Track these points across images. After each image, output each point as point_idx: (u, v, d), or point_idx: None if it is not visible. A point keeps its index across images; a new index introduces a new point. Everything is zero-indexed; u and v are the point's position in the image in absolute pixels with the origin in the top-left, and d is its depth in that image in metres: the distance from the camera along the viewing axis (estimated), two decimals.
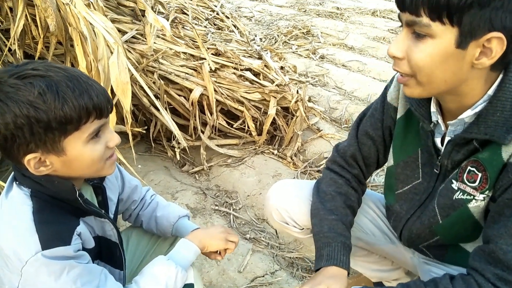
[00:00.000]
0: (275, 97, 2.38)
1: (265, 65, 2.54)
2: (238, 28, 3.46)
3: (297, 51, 4.04)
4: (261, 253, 1.75)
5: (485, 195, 0.84)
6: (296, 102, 2.37)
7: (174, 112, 2.35)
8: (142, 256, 1.24)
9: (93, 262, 0.89)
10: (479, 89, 0.78)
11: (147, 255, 1.25)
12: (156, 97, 2.12)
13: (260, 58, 2.66)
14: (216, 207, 2.02)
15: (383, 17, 5.20)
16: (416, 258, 1.17)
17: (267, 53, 2.86)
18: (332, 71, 3.66)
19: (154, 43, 2.06)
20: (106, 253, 0.97)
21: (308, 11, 5.48)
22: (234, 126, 2.43)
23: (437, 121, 0.89)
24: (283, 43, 4.24)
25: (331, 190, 1.10)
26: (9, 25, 1.67)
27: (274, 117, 2.39)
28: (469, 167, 0.85)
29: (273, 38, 4.33)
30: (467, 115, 0.81)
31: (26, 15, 1.56)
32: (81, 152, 0.81)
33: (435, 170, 0.94)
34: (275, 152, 2.41)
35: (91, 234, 0.91)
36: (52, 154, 0.79)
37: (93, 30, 1.53)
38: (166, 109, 2.20)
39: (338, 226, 1.02)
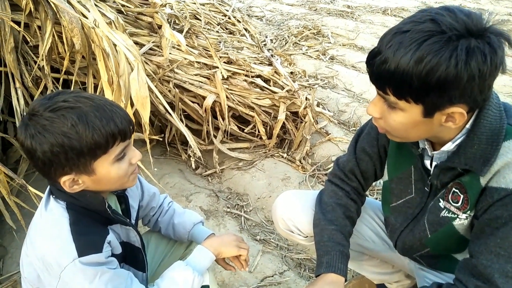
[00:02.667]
0: (285, 103, 2.48)
1: (275, 72, 2.64)
2: (249, 32, 3.55)
3: (307, 52, 4.12)
4: (271, 254, 1.87)
5: (468, 215, 0.94)
6: (305, 108, 2.47)
7: (188, 117, 2.47)
8: (161, 258, 1.37)
9: (119, 265, 1.01)
10: (455, 131, 0.88)
11: (165, 258, 1.38)
12: (172, 104, 2.24)
13: (270, 64, 2.76)
14: (228, 209, 2.15)
15: (394, 15, 5.21)
16: (413, 264, 1.27)
17: (277, 59, 2.95)
18: (342, 72, 3.73)
19: (170, 53, 2.18)
20: (130, 257, 1.09)
21: (318, 10, 5.53)
22: (245, 130, 2.54)
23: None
24: (293, 44, 4.31)
25: (332, 202, 1.20)
26: (37, 42, 1.80)
27: (283, 122, 2.49)
28: (453, 189, 0.95)
29: (283, 39, 4.41)
30: (448, 148, 0.91)
31: (53, 33, 1.69)
32: (109, 171, 0.92)
33: (426, 188, 1.04)
34: (284, 155, 2.52)
35: (118, 240, 1.04)
36: (84, 174, 0.90)
37: (115, 48, 1.65)
38: (180, 115, 2.33)
39: (337, 236, 1.12)
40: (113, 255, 0.98)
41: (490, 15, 0.77)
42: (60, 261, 0.88)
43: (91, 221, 0.95)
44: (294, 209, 1.28)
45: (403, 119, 0.85)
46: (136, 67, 1.60)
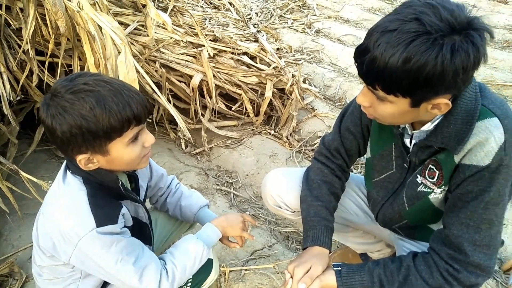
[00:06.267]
0: (272, 80, 2.51)
1: (261, 48, 2.64)
2: (233, 6, 3.52)
3: (292, 26, 4.10)
4: (260, 228, 1.95)
5: (442, 189, 1.01)
6: (291, 85, 2.50)
7: (175, 97, 2.49)
8: (168, 235, 1.48)
9: None
10: (436, 113, 0.94)
11: (171, 235, 1.50)
12: (159, 84, 2.25)
13: (256, 40, 2.76)
14: (218, 187, 2.21)
15: None
16: (393, 235, 1.35)
17: (263, 35, 2.95)
18: (328, 46, 3.74)
19: (155, 33, 2.17)
20: (138, 231, 1.15)
21: None
22: (233, 108, 2.57)
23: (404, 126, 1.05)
24: (278, 18, 4.28)
25: (318, 179, 1.27)
26: (20, 25, 1.77)
27: (270, 99, 2.52)
28: (430, 165, 1.02)
29: (268, 12, 4.37)
30: (428, 128, 0.97)
31: (36, 16, 1.67)
32: (122, 153, 0.97)
33: (405, 164, 1.11)
34: (272, 132, 2.57)
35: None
36: (98, 154, 0.96)
37: (101, 30, 1.64)
38: (168, 94, 2.34)
39: (323, 211, 1.19)
40: (125, 227, 1.05)
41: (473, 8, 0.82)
42: (78, 230, 0.94)
43: (106, 195, 1.02)
44: (282, 186, 1.34)
45: (392, 110, 0.90)
46: (123, 50, 1.60)
